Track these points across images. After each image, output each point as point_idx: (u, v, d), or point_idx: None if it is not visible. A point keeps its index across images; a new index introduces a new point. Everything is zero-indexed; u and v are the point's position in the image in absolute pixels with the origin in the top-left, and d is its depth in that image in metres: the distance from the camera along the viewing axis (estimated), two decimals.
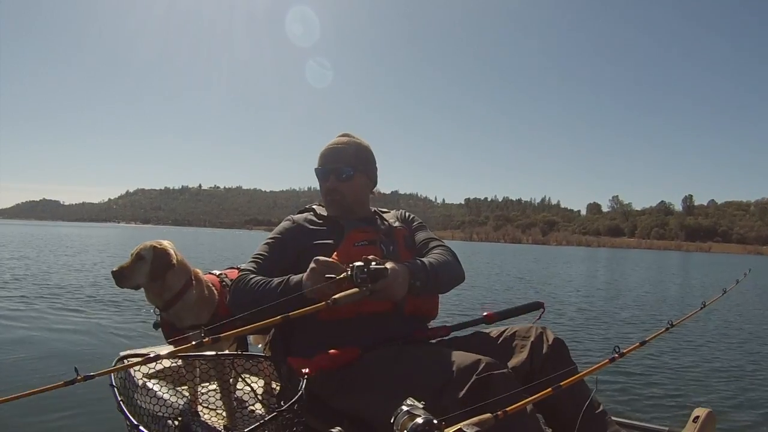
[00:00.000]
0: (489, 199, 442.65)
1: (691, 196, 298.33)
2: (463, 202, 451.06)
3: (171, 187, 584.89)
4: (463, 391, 2.20)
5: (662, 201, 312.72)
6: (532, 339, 2.76)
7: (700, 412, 2.64)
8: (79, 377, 2.05)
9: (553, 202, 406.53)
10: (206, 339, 2.18)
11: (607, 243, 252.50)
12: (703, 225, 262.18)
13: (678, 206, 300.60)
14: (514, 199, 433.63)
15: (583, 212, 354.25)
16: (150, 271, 3.10)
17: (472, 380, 2.21)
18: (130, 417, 2.30)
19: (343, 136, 3.26)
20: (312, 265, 2.61)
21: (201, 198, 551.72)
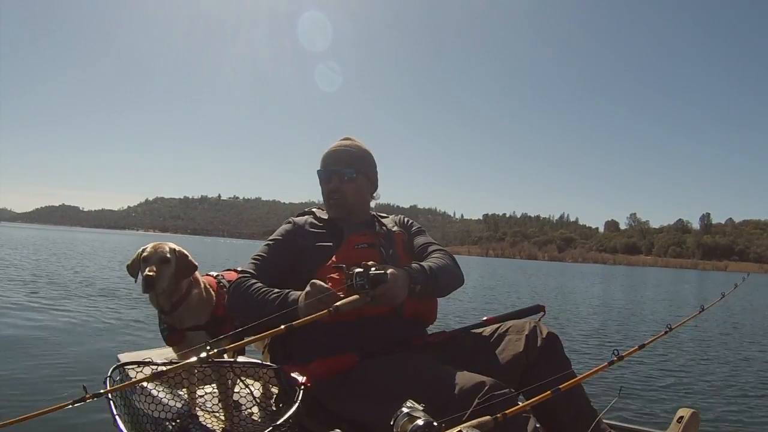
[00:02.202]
0: (508, 215, 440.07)
1: (709, 214, 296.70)
2: (481, 218, 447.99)
3: (190, 197, 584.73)
4: (466, 416, 2.14)
5: (680, 219, 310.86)
6: (526, 332, 2.77)
7: (684, 412, 2.67)
8: (87, 396, 2.02)
9: (572, 218, 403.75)
10: (211, 352, 2.19)
11: (623, 261, 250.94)
12: (720, 243, 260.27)
13: (696, 224, 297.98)
14: (533, 216, 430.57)
15: (601, 229, 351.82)
16: (174, 274, 3.15)
17: (474, 404, 2.18)
18: None
19: (346, 139, 3.30)
20: (308, 288, 2.63)
21: (220, 208, 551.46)
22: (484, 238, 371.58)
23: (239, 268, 3.26)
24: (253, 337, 2.44)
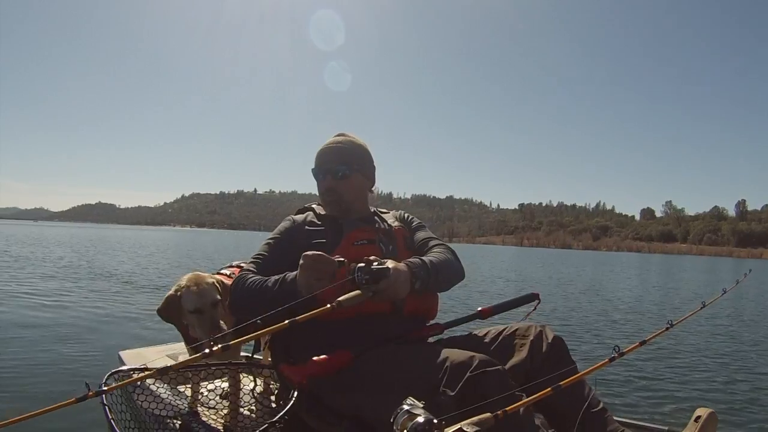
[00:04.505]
0: (544, 205, 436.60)
1: (745, 201, 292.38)
2: (517, 207, 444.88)
3: (226, 192, 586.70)
4: (457, 389, 2.17)
5: (715, 206, 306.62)
6: (531, 338, 2.72)
7: (702, 411, 2.60)
8: (90, 393, 2.00)
9: (608, 207, 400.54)
10: (216, 348, 2.18)
11: (658, 249, 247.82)
12: (755, 231, 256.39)
13: (731, 211, 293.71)
14: (569, 204, 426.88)
15: (638, 217, 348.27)
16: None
17: (465, 377, 2.18)
18: None
19: (340, 135, 3.22)
20: (300, 261, 2.58)
21: (256, 202, 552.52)
22: (520, 228, 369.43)
23: (243, 264, 3.23)
24: (255, 333, 2.43)
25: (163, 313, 3.05)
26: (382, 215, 3.31)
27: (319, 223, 3.10)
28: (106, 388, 2.06)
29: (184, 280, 3.06)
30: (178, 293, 3.00)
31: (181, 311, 3.01)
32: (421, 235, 3.24)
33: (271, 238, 3.10)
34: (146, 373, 2.25)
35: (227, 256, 33.28)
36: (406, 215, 3.41)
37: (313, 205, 3.30)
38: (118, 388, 2.34)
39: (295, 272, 2.66)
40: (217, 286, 3.09)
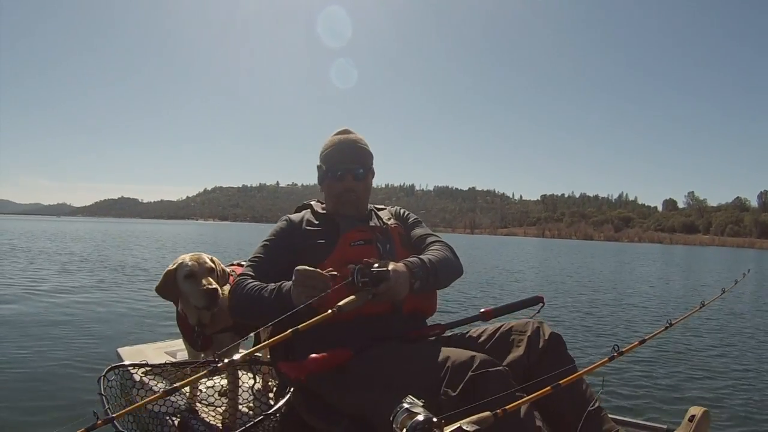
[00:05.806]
0: (566, 196, 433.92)
1: (767, 191, 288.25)
2: (539, 199, 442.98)
3: (249, 185, 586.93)
4: (458, 389, 2.16)
5: (738, 197, 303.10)
6: (528, 334, 2.69)
7: (696, 410, 2.61)
8: (99, 422, 1.98)
9: (631, 198, 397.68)
10: (220, 364, 2.18)
11: (681, 240, 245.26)
12: None
13: (754, 202, 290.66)
14: (591, 195, 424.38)
15: (660, 208, 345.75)
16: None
17: (466, 378, 2.18)
18: None
19: (345, 132, 3.20)
20: (293, 277, 2.58)
21: (279, 195, 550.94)
22: (542, 219, 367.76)
23: (244, 263, 3.16)
24: (260, 345, 2.48)
25: (161, 289, 3.09)
26: (378, 212, 3.29)
27: (317, 222, 3.09)
28: (114, 415, 2.07)
29: (180, 257, 3.10)
30: (174, 266, 3.05)
31: (177, 285, 3.03)
32: (418, 231, 3.22)
33: (267, 240, 3.09)
34: (154, 396, 2.23)
35: (241, 249, 33.81)
36: (402, 211, 3.39)
37: (312, 203, 3.32)
38: (120, 391, 2.44)
39: (290, 283, 2.65)
40: (213, 259, 3.13)
